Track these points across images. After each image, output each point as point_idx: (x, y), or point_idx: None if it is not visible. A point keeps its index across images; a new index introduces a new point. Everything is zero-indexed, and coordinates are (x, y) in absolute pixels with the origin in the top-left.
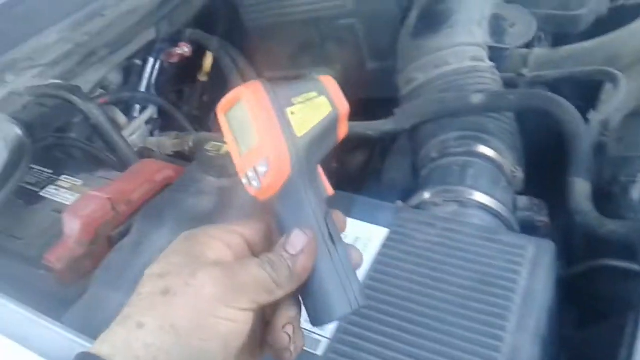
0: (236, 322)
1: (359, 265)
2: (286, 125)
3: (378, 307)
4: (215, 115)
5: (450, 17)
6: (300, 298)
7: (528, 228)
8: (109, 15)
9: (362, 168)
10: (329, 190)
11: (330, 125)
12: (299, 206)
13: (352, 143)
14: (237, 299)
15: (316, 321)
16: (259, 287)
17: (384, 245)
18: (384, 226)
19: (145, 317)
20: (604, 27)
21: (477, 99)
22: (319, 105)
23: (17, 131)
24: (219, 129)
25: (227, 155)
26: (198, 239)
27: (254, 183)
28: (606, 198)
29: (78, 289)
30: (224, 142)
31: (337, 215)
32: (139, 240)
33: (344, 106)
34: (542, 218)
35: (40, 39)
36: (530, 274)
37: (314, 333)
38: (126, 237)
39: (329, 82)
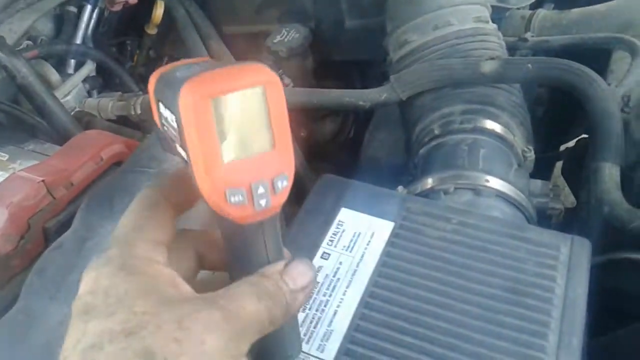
0: None
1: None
2: None
3: (387, 322)
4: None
5: None
6: None
7: (539, 216)
8: None
9: (332, 138)
10: None
11: None
12: (276, 234)
13: (323, 110)
14: (240, 345)
15: None
16: (256, 325)
17: (390, 243)
18: (388, 219)
19: None
20: None
21: (488, 67)
22: None
23: None
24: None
25: None
26: (139, 268)
27: (262, 202)
28: (626, 185)
29: (3, 297)
30: None
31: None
32: (84, 235)
33: None
34: (558, 205)
35: None
36: (568, 281)
37: (312, 356)
38: (67, 230)
39: None
